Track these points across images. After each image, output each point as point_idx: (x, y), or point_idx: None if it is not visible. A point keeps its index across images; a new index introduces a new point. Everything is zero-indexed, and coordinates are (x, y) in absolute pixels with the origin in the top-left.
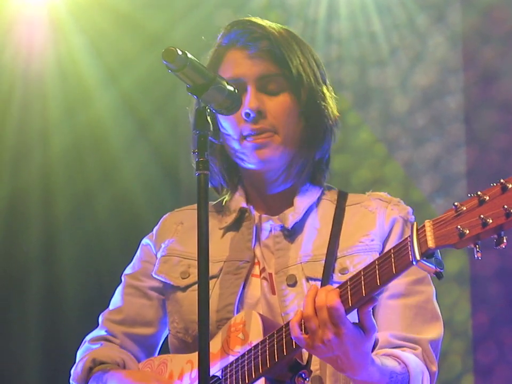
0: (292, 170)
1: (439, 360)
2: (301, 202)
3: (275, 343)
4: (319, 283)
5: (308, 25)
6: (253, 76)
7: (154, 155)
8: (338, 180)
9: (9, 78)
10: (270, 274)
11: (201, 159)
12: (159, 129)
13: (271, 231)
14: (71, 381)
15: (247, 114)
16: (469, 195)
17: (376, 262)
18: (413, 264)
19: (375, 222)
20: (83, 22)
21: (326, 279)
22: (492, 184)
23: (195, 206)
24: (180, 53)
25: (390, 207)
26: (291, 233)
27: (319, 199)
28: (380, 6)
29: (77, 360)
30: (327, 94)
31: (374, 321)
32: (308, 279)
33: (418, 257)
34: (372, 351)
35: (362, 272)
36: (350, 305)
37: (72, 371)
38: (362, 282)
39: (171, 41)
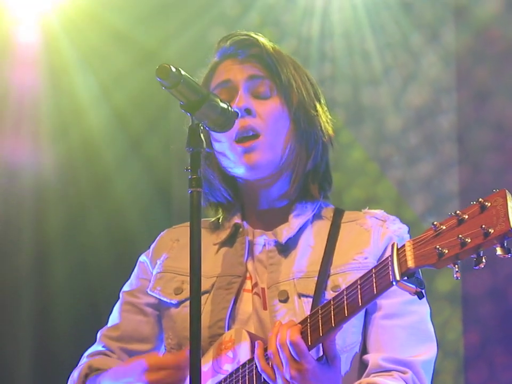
0: (282, 177)
1: (431, 380)
2: (296, 219)
3: (246, 373)
4: (310, 300)
5: (301, 43)
6: (242, 77)
7: (146, 171)
8: (331, 198)
9: (2, 93)
10: (263, 289)
11: (194, 177)
12: (152, 146)
13: (264, 245)
14: None
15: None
16: (449, 214)
17: (359, 281)
18: (393, 284)
19: (370, 240)
20: (76, 37)
21: (318, 296)
22: (471, 203)
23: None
24: (173, 69)
25: (385, 225)
26: (284, 249)
27: (314, 216)
28: (373, 24)
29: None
30: (320, 109)
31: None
32: (300, 295)
33: (398, 277)
34: (362, 372)
35: (345, 292)
36: (333, 325)
37: (69, 379)
38: (345, 302)
39: (165, 58)
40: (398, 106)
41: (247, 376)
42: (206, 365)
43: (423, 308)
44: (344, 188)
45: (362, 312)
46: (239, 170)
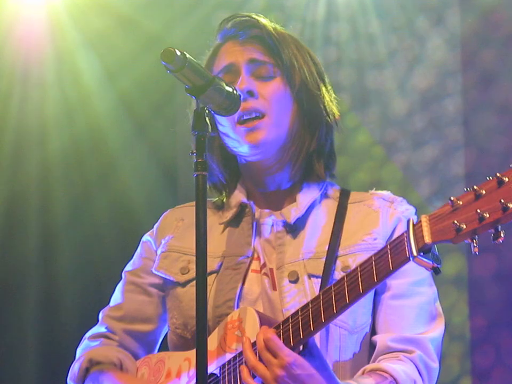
0: (286, 157)
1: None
2: (304, 199)
3: (281, 335)
4: (319, 280)
5: (306, 27)
6: (244, 60)
7: (152, 156)
8: (336, 182)
9: (8, 79)
10: (271, 270)
11: (200, 160)
12: (157, 130)
13: (272, 226)
14: (68, 380)
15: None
16: (465, 189)
17: (373, 257)
18: (409, 259)
19: (378, 220)
20: (81, 23)
21: (326, 276)
22: (488, 178)
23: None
24: (178, 53)
25: (393, 207)
26: (293, 229)
27: (321, 196)
28: (378, 8)
29: (76, 358)
30: (323, 88)
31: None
32: (310, 276)
33: (415, 253)
34: (371, 353)
35: (359, 268)
36: (348, 301)
37: (69, 370)
38: (360, 278)
39: (169, 42)
40: (404, 89)
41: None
42: (212, 344)
43: (430, 289)
44: (350, 171)
45: (371, 293)
46: (243, 149)
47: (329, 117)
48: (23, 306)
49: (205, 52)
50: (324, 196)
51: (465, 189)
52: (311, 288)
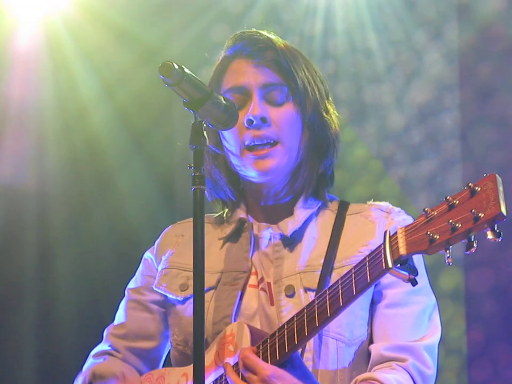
0: (295, 184)
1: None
2: (301, 211)
3: (260, 354)
4: (313, 294)
5: (304, 41)
6: (257, 84)
7: (150, 169)
8: (333, 195)
9: (5, 93)
10: (269, 284)
11: (197, 174)
12: (155, 144)
13: (270, 239)
14: None
15: (250, 122)
16: (441, 200)
17: (353, 269)
18: (385, 271)
19: (375, 231)
20: (79, 36)
21: (321, 289)
22: (462, 188)
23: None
24: (176, 67)
25: (390, 217)
26: (290, 242)
27: (319, 209)
28: (376, 22)
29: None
30: (330, 109)
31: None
32: (306, 289)
33: (390, 264)
34: (367, 363)
35: (340, 281)
36: (329, 315)
37: None
38: (340, 291)
39: (167, 55)
40: (401, 103)
41: None
42: (208, 359)
43: (427, 299)
44: (347, 185)
45: (368, 303)
46: (250, 174)
47: (335, 138)
48: (20, 320)
49: (203, 65)
50: (322, 208)
51: (441, 199)
52: (306, 302)
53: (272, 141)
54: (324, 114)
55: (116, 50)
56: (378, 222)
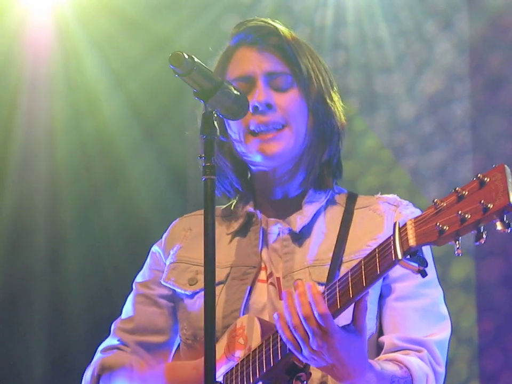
0: (299, 168)
1: (445, 366)
2: (309, 206)
3: (271, 347)
4: (322, 287)
5: (315, 31)
6: (261, 71)
7: (161, 160)
8: (344, 186)
9: (16, 82)
10: (278, 279)
11: (208, 164)
12: (166, 134)
13: (279, 234)
14: None
15: (255, 108)
16: (450, 191)
17: (362, 261)
18: (395, 263)
19: (383, 225)
20: (89, 26)
21: (330, 283)
22: (471, 179)
23: (203, 211)
24: (186, 57)
25: (398, 210)
26: (299, 237)
27: (327, 203)
28: (387, 12)
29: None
30: (335, 97)
31: (366, 323)
32: (315, 283)
33: (400, 256)
34: (378, 354)
35: (349, 273)
36: (339, 307)
37: (82, 379)
38: (350, 283)
39: (178, 45)
40: (412, 94)
41: (256, 361)
42: (218, 353)
43: (435, 291)
44: (358, 175)
45: (376, 297)
46: (255, 159)
47: (340, 127)
48: (31, 313)
49: (214, 55)
50: (330, 202)
51: (452, 190)
52: None
53: (280, 126)
54: (328, 101)
55: (126, 40)
56: (386, 216)
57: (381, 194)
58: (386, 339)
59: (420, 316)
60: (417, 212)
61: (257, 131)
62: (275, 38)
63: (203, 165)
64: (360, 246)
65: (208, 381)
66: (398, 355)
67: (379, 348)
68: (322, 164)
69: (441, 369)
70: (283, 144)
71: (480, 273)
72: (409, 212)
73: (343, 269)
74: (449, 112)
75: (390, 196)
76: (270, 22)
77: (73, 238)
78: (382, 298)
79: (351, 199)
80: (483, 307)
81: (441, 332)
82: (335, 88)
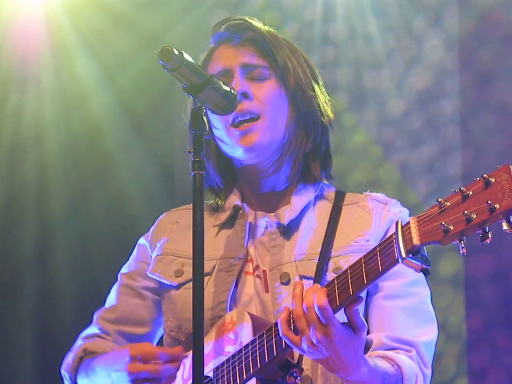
0: (283, 160)
1: (433, 363)
2: (298, 200)
3: (265, 343)
4: (311, 282)
5: (304, 27)
6: (238, 63)
7: (149, 154)
8: (333, 182)
9: (5, 77)
10: (264, 272)
11: (197, 159)
12: (155, 129)
13: (266, 228)
14: (62, 371)
15: None
16: (453, 190)
17: (363, 259)
18: (398, 261)
19: (372, 222)
20: (79, 21)
21: (319, 278)
22: (474, 179)
23: (191, 206)
24: (176, 52)
25: (387, 208)
26: (287, 231)
27: (316, 197)
28: (376, 8)
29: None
30: (318, 89)
31: (363, 319)
32: (302, 277)
33: (404, 254)
34: (365, 352)
35: (349, 271)
36: (338, 304)
37: (64, 361)
38: (350, 280)
39: (167, 40)
40: (401, 89)
41: (250, 357)
42: (207, 347)
43: (423, 290)
44: (347, 171)
45: (363, 295)
46: (238, 153)
47: (324, 118)
48: (20, 302)
49: (203, 50)
50: (319, 197)
51: (453, 190)
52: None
53: (255, 116)
54: (309, 92)
55: (115, 35)
56: (375, 213)
57: (370, 191)
58: (374, 337)
59: (408, 315)
60: (405, 211)
61: (237, 121)
62: (250, 33)
63: (192, 160)
64: (348, 242)
65: (197, 375)
66: (389, 353)
67: (366, 347)
68: (307, 155)
69: (428, 371)
70: (259, 135)
71: (469, 268)
72: (397, 210)
73: (331, 264)
74: (438, 108)
75: (379, 194)
76: (246, 19)
77: (62, 231)
78: (369, 296)
79: (340, 195)
80: (472, 303)
81: (429, 333)
82: (319, 81)
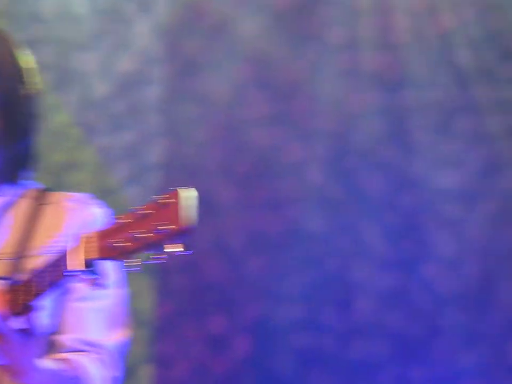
0: None
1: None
2: None
3: None
4: (7, 283)
5: (12, 2)
6: None
7: None
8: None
9: None
10: None
11: None
12: None
13: None
14: None
15: None
16: (130, 209)
17: (41, 269)
18: (63, 276)
19: (66, 223)
20: None
21: (13, 279)
22: (150, 198)
23: None
24: None
25: (84, 208)
26: None
27: (17, 196)
28: None
29: None
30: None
31: (42, 324)
32: None
33: (72, 268)
34: (52, 354)
35: (31, 276)
36: (16, 311)
37: None
38: (29, 286)
39: None
40: (106, 73)
41: None
42: None
43: (118, 292)
44: (47, 151)
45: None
46: None
47: (31, 119)
48: None
49: None
50: (20, 196)
51: (129, 209)
52: None
53: None
54: (19, 97)
55: None
56: (70, 213)
57: (67, 177)
58: (62, 339)
59: (99, 317)
60: (102, 212)
61: None
62: None
63: None
64: (44, 242)
65: None
66: (70, 355)
67: (54, 347)
68: (8, 157)
69: (117, 373)
70: None
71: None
72: (97, 212)
73: (26, 265)
74: (143, 94)
75: (79, 194)
76: None
77: None
78: (61, 296)
79: (44, 194)
80: (163, 291)
81: (119, 335)
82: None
